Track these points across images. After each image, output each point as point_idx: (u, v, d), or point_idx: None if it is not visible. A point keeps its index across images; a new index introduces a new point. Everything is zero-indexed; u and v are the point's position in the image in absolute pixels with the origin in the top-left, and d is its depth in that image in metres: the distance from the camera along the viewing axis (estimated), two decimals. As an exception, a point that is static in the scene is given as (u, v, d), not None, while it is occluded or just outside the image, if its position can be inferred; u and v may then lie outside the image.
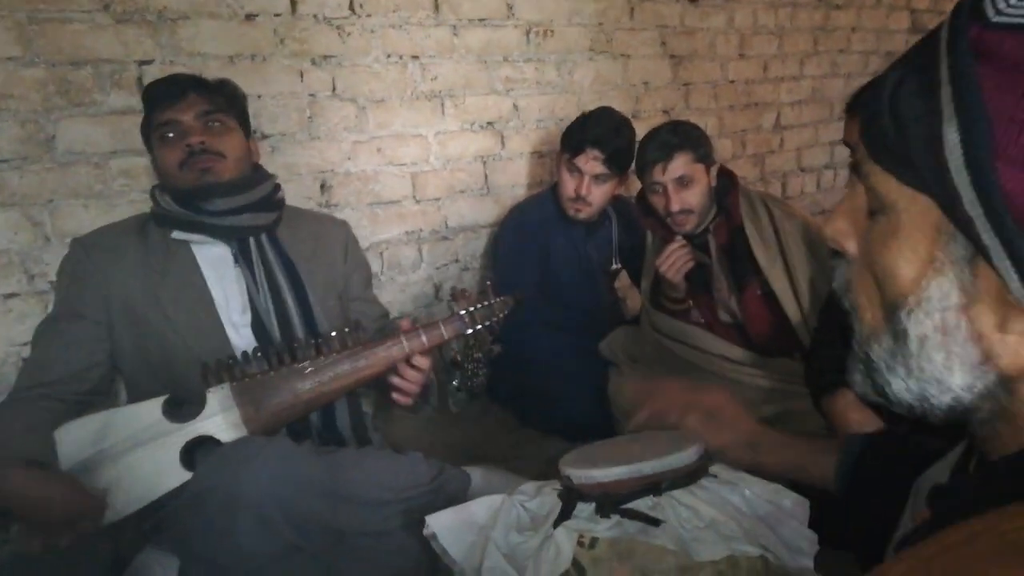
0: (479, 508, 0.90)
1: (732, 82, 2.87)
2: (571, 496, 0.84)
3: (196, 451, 1.13)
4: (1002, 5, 0.40)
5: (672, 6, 2.59)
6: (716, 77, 2.81)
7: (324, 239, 1.48)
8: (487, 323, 1.27)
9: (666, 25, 2.59)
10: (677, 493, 0.81)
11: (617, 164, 1.93)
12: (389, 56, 2.00)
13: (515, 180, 2.35)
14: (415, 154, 2.11)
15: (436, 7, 2.06)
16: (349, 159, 2.00)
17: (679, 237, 1.76)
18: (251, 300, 1.32)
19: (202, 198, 1.29)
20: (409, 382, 1.24)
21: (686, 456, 0.83)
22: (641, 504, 0.80)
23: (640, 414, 0.98)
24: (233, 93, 1.40)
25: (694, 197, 1.72)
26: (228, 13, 1.74)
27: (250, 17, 1.78)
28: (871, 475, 0.78)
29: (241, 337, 1.30)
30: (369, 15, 1.95)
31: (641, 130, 1.87)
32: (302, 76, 1.87)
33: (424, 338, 1.23)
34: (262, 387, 1.17)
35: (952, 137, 0.40)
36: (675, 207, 1.71)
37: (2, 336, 1.59)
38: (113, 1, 1.60)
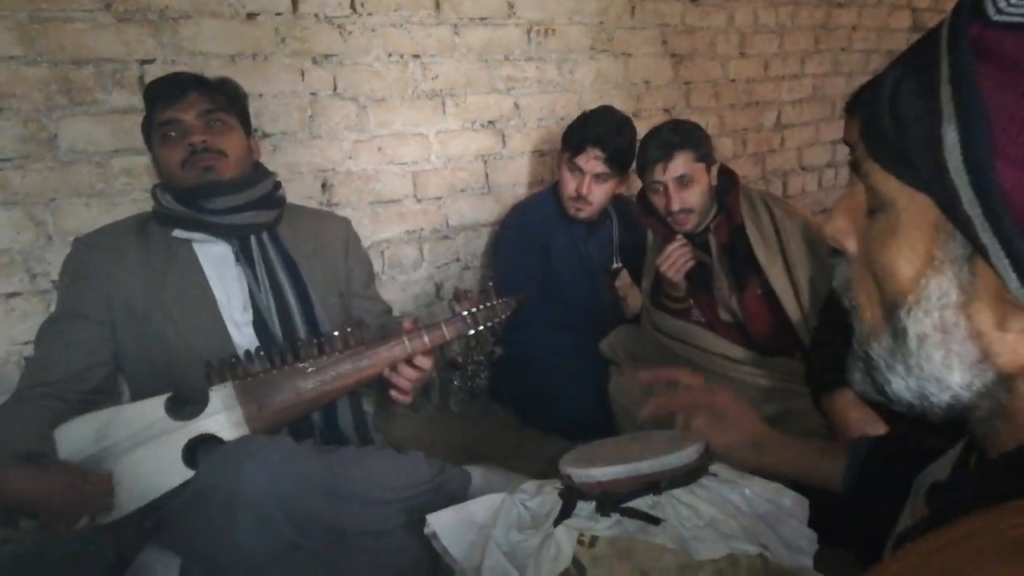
0: (479, 507, 0.90)
1: (733, 81, 2.87)
2: (571, 495, 0.84)
3: (198, 449, 1.14)
4: (1003, 4, 0.40)
5: (673, 5, 2.59)
6: (717, 76, 2.81)
7: (325, 236, 1.48)
8: (489, 324, 1.27)
9: (667, 24, 2.59)
10: (677, 492, 0.80)
11: (618, 163, 1.93)
12: (390, 55, 2.01)
13: (516, 179, 2.35)
14: (416, 153, 2.11)
15: (437, 6, 2.06)
16: (350, 158, 2.00)
17: (680, 236, 1.76)
18: (253, 298, 1.32)
19: (203, 197, 1.29)
20: (409, 381, 1.24)
21: (685, 455, 0.83)
22: (641, 503, 0.80)
23: (647, 407, 0.97)
24: (234, 92, 1.40)
25: (695, 196, 1.71)
26: (229, 12, 1.75)
27: (251, 16, 1.78)
28: (876, 477, 0.78)
29: (243, 335, 1.30)
30: (370, 14, 1.95)
31: (642, 129, 1.87)
32: (303, 75, 1.88)
33: (426, 338, 1.23)
34: (265, 386, 1.17)
35: (951, 136, 0.40)
36: (676, 206, 1.71)
37: (4, 335, 1.60)
38: (115, 0, 1.60)
